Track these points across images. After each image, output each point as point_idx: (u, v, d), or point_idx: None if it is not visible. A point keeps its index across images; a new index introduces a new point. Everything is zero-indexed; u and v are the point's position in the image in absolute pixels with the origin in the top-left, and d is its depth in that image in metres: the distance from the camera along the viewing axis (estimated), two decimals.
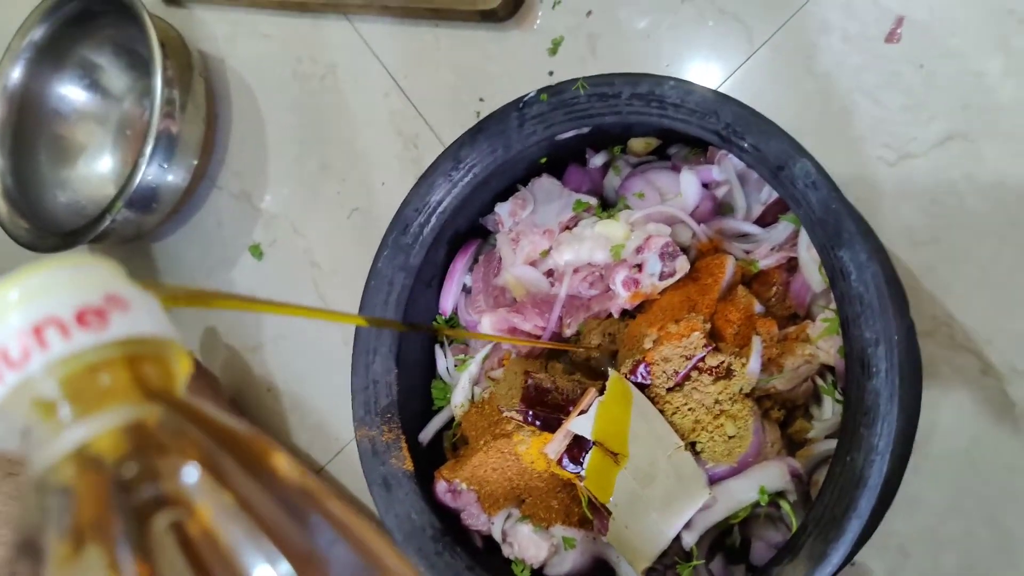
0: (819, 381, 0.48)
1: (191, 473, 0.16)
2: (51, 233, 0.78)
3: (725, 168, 0.52)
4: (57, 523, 0.16)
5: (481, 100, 0.71)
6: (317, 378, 0.76)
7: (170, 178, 0.77)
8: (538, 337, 0.53)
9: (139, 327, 0.18)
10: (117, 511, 0.16)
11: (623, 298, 0.50)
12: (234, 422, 0.18)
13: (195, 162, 0.79)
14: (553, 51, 0.68)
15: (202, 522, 0.16)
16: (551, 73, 0.68)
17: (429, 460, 0.55)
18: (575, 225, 0.54)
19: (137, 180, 0.73)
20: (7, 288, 0.17)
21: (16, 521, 0.17)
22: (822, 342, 0.47)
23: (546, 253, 0.54)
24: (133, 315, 0.18)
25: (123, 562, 0.15)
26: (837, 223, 0.41)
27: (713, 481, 0.47)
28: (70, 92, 0.86)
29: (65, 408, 0.17)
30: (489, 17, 0.70)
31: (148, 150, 0.73)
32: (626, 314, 0.51)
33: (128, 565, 0.15)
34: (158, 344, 0.18)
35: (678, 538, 0.47)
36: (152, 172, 0.74)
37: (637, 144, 0.55)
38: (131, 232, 0.79)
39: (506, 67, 0.70)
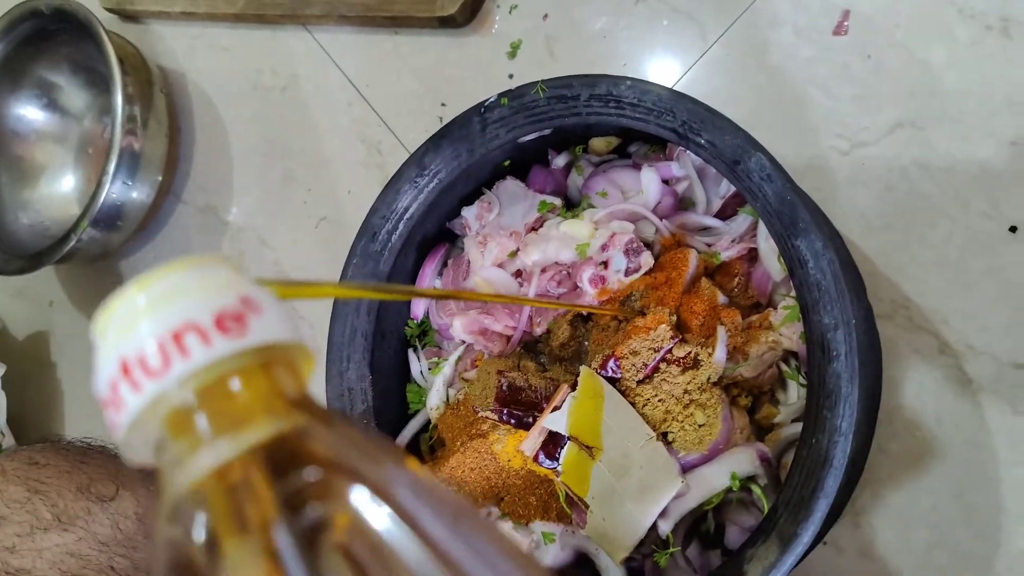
0: (783, 367, 0.50)
1: (354, 490, 0.15)
2: (16, 256, 0.78)
3: (684, 164, 0.53)
4: (206, 547, 0.14)
5: (443, 105, 0.72)
6: None
7: (135, 195, 0.76)
8: (508, 338, 0.54)
9: (277, 332, 0.16)
10: (279, 533, 0.14)
11: (591, 295, 0.51)
12: (361, 429, 0.17)
13: (159, 178, 0.78)
14: (512, 54, 0.69)
15: (367, 539, 0.14)
16: (511, 76, 0.69)
17: None
18: (541, 226, 0.55)
19: (101, 198, 0.73)
20: (134, 291, 0.16)
21: (156, 547, 0.15)
22: (784, 329, 0.48)
23: (513, 254, 0.54)
24: (268, 318, 0.16)
25: None
26: (792, 214, 0.42)
27: (685, 469, 0.48)
28: (28, 112, 0.85)
29: (204, 421, 0.15)
30: (447, 23, 0.70)
31: (111, 168, 0.72)
32: None
33: None
34: (292, 348, 0.17)
35: (654, 527, 0.48)
36: (116, 189, 0.74)
37: (598, 143, 0.57)
38: (98, 251, 0.78)
39: (466, 72, 0.71)
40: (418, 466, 0.16)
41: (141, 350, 0.15)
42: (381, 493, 0.15)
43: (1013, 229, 0.52)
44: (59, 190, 0.86)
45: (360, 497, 0.15)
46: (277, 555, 0.14)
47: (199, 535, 0.15)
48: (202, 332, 0.15)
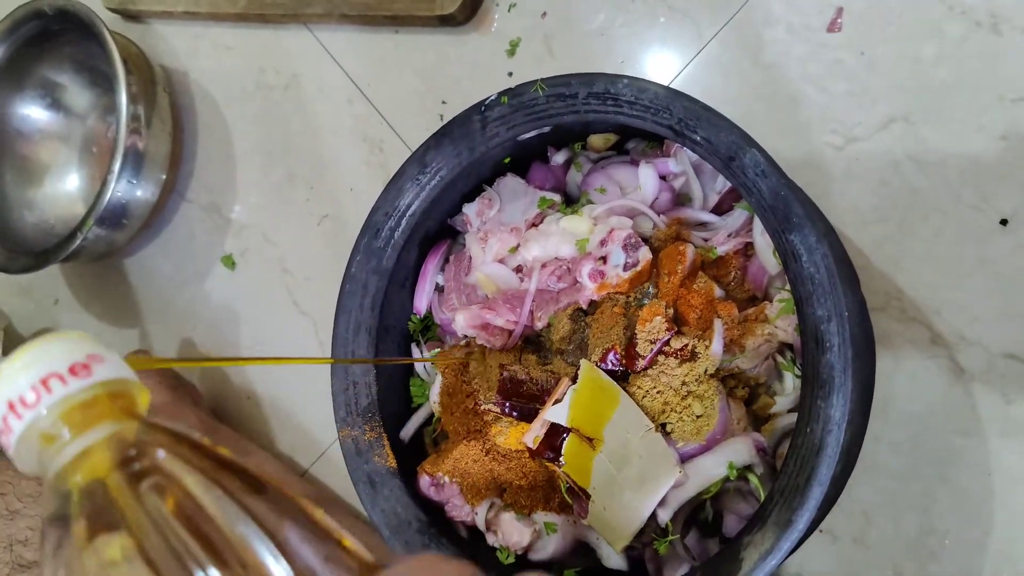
0: (779, 358, 0.51)
1: (161, 453, 0.23)
2: (21, 254, 0.79)
3: (681, 160, 0.54)
4: (70, 512, 0.22)
5: (444, 103, 0.73)
6: (295, 383, 0.78)
7: (139, 193, 0.77)
8: (510, 332, 0.55)
9: (113, 373, 0.24)
10: (114, 488, 0.22)
11: (590, 289, 0.52)
12: (187, 430, 0.25)
13: (163, 176, 0.79)
14: (511, 52, 0.70)
15: (178, 486, 0.22)
16: (511, 74, 0.70)
17: (411, 456, 0.57)
18: (541, 222, 0.56)
19: (107, 197, 0.73)
20: (14, 360, 0.24)
21: (43, 512, 0.23)
22: (780, 321, 0.49)
23: (514, 250, 0.55)
24: (108, 365, 0.24)
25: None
26: (787, 208, 0.43)
27: (684, 459, 0.49)
28: (32, 112, 0.86)
29: (65, 432, 0.23)
30: (447, 22, 0.71)
31: (116, 167, 0.73)
32: (593, 304, 0.53)
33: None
34: (126, 384, 0.25)
35: (654, 515, 0.49)
36: (121, 188, 0.75)
37: (596, 140, 0.58)
38: (103, 249, 0.79)
39: (466, 70, 0.72)
40: (225, 451, 0.24)
41: (20, 393, 0.23)
42: (182, 459, 0.23)
43: (1003, 222, 0.53)
44: (64, 189, 0.87)
45: (163, 457, 0.23)
46: (116, 491, 0.22)
47: (68, 505, 0.22)
48: (60, 377, 0.23)
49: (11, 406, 0.23)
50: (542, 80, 0.51)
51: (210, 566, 0.20)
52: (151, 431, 0.24)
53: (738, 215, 0.53)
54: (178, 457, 0.23)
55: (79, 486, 0.22)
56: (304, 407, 0.77)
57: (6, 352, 0.83)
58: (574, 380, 0.50)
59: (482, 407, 0.52)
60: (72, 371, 0.24)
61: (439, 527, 0.54)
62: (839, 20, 0.58)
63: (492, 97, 0.53)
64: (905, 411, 0.55)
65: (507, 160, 0.57)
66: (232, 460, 0.24)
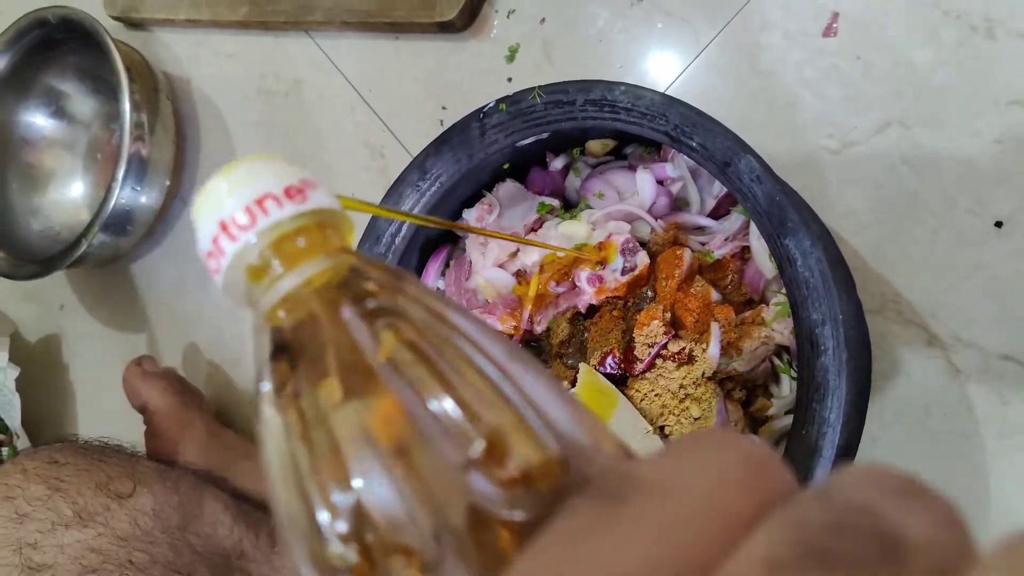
0: (776, 361, 0.51)
1: (392, 291, 0.20)
2: (27, 261, 0.80)
3: (678, 165, 0.55)
4: (288, 351, 0.20)
5: (444, 108, 0.73)
6: None
7: (143, 200, 0.78)
8: (510, 337, 0.55)
9: (327, 201, 0.22)
10: (345, 311, 0.20)
11: (588, 294, 0.52)
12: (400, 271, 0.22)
13: (167, 182, 0.80)
14: (510, 58, 0.71)
15: (412, 324, 0.19)
16: (510, 80, 0.71)
17: None
18: (540, 227, 0.56)
19: (111, 203, 0.74)
20: (220, 180, 0.22)
21: (257, 353, 0.21)
22: (776, 324, 0.50)
23: (514, 255, 0.56)
24: (320, 193, 0.22)
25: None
26: (781, 214, 0.44)
27: None
28: (37, 120, 0.87)
29: (277, 265, 0.21)
30: (447, 28, 0.72)
31: (120, 174, 0.74)
32: (592, 309, 0.54)
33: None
34: (338, 215, 0.23)
35: None
36: (125, 195, 0.75)
37: (595, 146, 0.58)
38: (108, 255, 0.80)
39: (466, 76, 0.73)
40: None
41: (233, 213, 0.21)
42: (414, 296, 0.20)
43: (998, 225, 0.54)
44: (69, 196, 0.88)
45: (404, 300, 0.20)
46: (347, 325, 0.19)
47: (284, 344, 0.20)
48: (276, 199, 0.21)
49: (223, 226, 0.21)
50: (540, 87, 0.52)
51: (447, 398, 0.18)
52: (365, 271, 0.21)
53: (735, 219, 0.53)
54: (400, 293, 0.20)
55: (296, 322, 0.20)
56: None
57: (11, 359, 0.83)
58: (573, 383, 0.50)
59: None
60: (288, 193, 0.21)
61: None
62: (835, 25, 0.59)
63: (490, 104, 0.53)
64: (902, 412, 0.56)
65: (506, 166, 0.58)
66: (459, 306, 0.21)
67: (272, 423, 0.19)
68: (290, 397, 0.19)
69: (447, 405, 0.18)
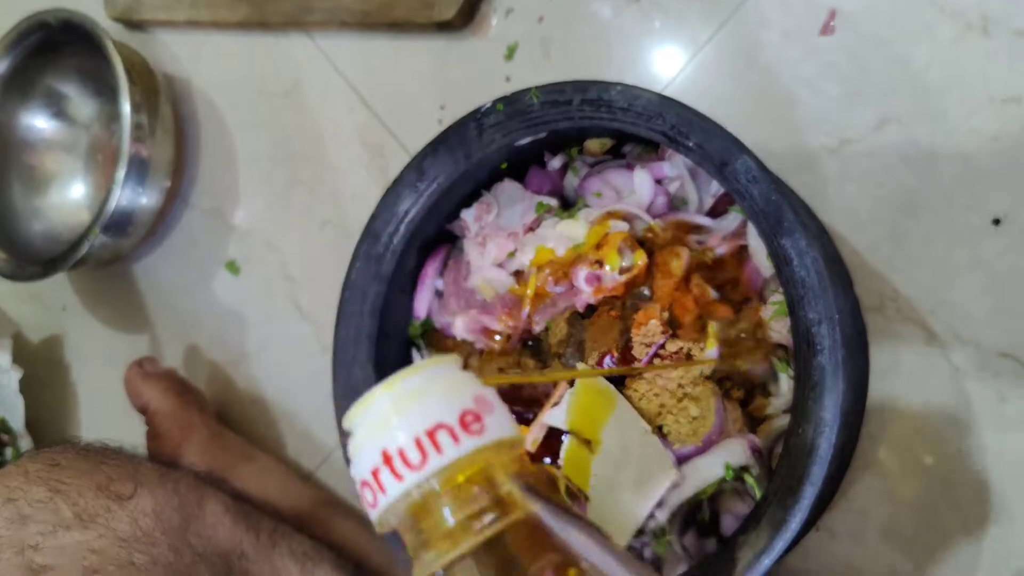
0: (774, 360, 0.51)
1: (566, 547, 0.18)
2: (29, 262, 0.80)
3: (676, 165, 0.55)
4: None
5: (442, 108, 0.74)
6: (300, 388, 0.79)
7: (144, 200, 0.78)
8: (509, 336, 0.56)
9: (506, 429, 0.19)
10: None
11: (586, 293, 0.53)
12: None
13: (167, 183, 0.80)
14: (509, 57, 0.71)
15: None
16: (508, 79, 0.71)
17: None
18: (538, 226, 0.57)
19: (112, 205, 0.75)
20: (389, 389, 0.18)
21: None
22: (774, 323, 0.50)
23: (512, 254, 0.56)
24: (498, 416, 0.19)
25: None
26: (778, 213, 0.44)
27: (680, 461, 0.50)
28: (38, 122, 0.87)
29: (448, 511, 0.18)
30: (445, 27, 0.72)
31: (121, 175, 0.74)
32: (591, 308, 0.54)
33: None
34: (517, 442, 0.19)
35: (652, 516, 0.50)
36: (126, 196, 0.76)
37: (593, 145, 0.58)
38: (109, 256, 0.80)
39: (465, 75, 0.73)
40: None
41: (401, 445, 0.18)
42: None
43: (996, 222, 0.54)
44: (70, 197, 0.88)
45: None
46: None
47: None
48: (451, 431, 0.18)
49: (387, 458, 0.18)
50: (536, 87, 0.52)
51: None
52: (540, 509, 0.19)
53: (733, 218, 0.53)
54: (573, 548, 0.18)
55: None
56: (309, 411, 0.78)
57: (15, 360, 0.84)
58: (572, 383, 0.50)
59: None
60: (463, 423, 0.18)
61: None
62: (832, 23, 0.58)
63: (488, 104, 0.53)
64: (901, 410, 0.56)
65: (504, 166, 0.58)
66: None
67: None
68: None
69: None
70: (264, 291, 0.81)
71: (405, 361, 0.61)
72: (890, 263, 0.56)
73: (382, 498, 0.18)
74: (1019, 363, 0.53)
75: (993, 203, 0.54)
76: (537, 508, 0.19)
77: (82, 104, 0.87)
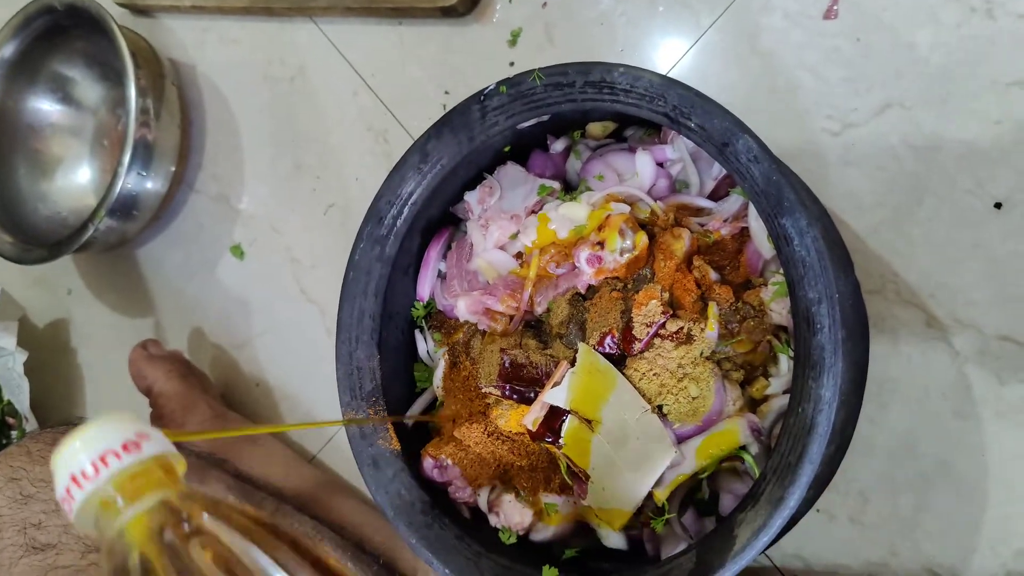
0: (774, 341, 0.52)
1: (205, 516, 0.28)
2: (35, 245, 0.80)
3: (678, 147, 0.55)
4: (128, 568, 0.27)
5: (446, 93, 0.74)
6: (303, 370, 0.79)
7: (149, 185, 0.79)
8: (511, 317, 0.56)
9: (158, 448, 0.29)
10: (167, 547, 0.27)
11: (588, 274, 0.53)
12: (222, 494, 0.28)
13: (173, 168, 0.81)
14: (513, 42, 0.71)
15: (221, 542, 0.27)
16: (512, 63, 0.71)
17: (415, 439, 0.58)
18: (540, 208, 0.57)
19: (117, 189, 0.75)
20: (75, 439, 0.28)
21: (104, 567, 0.27)
22: (774, 304, 0.50)
23: (514, 236, 0.56)
24: (153, 442, 0.29)
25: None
26: (779, 193, 0.44)
27: (680, 440, 0.50)
28: (44, 106, 0.88)
29: (120, 500, 0.27)
30: (450, 13, 0.72)
31: (126, 159, 0.75)
32: (592, 289, 0.54)
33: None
34: (168, 457, 0.29)
35: (651, 495, 0.50)
36: (131, 180, 0.76)
37: (595, 128, 0.58)
38: (114, 240, 0.81)
39: (469, 60, 0.73)
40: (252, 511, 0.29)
41: (82, 467, 0.27)
42: (223, 519, 0.28)
43: (998, 206, 0.54)
44: (76, 181, 0.89)
45: (206, 519, 0.28)
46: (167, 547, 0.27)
47: (127, 560, 0.27)
48: (116, 453, 0.27)
49: (73, 479, 0.27)
50: (539, 69, 0.52)
51: None
52: (190, 497, 0.28)
53: (734, 200, 0.53)
54: (216, 517, 0.28)
55: (134, 546, 0.27)
56: (312, 394, 0.78)
57: (20, 343, 0.84)
58: (573, 363, 0.51)
59: (483, 390, 0.54)
60: (125, 448, 0.28)
61: (442, 508, 0.55)
62: (835, 7, 0.59)
63: (491, 87, 0.53)
64: (901, 393, 0.56)
65: (507, 148, 0.58)
66: (260, 518, 0.29)
67: None
68: None
69: None
70: (269, 275, 0.81)
71: (408, 342, 0.61)
72: (891, 246, 0.56)
73: (72, 505, 0.27)
74: (1019, 346, 0.53)
75: (995, 187, 0.54)
76: (177, 491, 0.28)
77: (88, 89, 0.88)
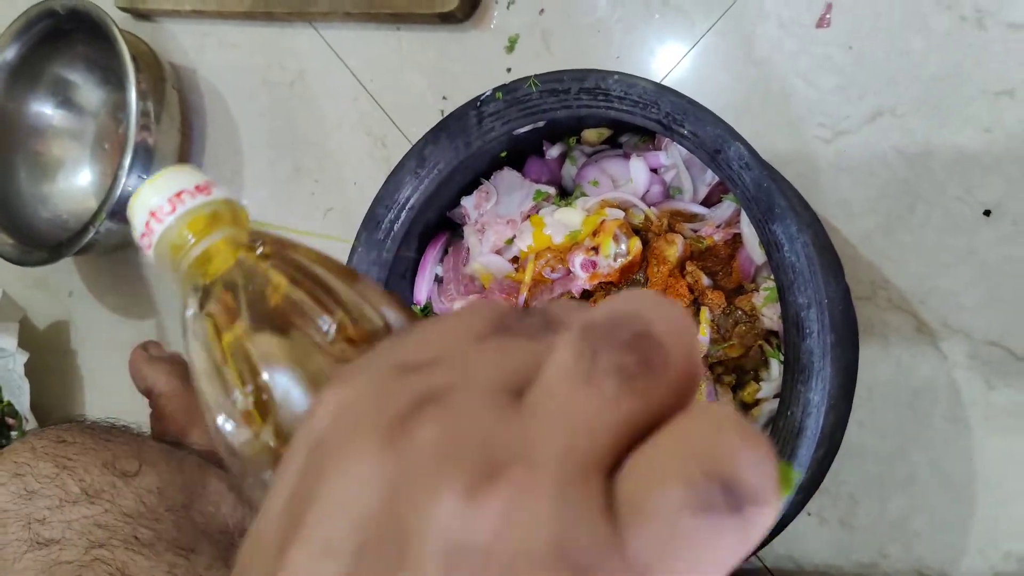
0: (765, 346, 0.52)
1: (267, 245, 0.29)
2: (36, 248, 0.81)
3: (671, 154, 0.56)
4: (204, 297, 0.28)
5: (444, 98, 0.75)
6: None
7: None
8: None
9: (225, 194, 0.30)
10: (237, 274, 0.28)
11: (583, 279, 0.54)
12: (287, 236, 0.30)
13: None
14: (510, 48, 0.72)
15: (295, 264, 0.28)
16: (509, 70, 0.72)
17: None
18: (536, 214, 0.58)
19: (118, 191, 0.76)
20: (151, 181, 0.29)
21: (183, 310, 0.28)
22: (766, 309, 0.51)
23: (510, 241, 0.57)
24: (221, 189, 0.30)
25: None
26: (769, 200, 0.45)
27: None
28: (45, 109, 0.88)
29: (190, 237, 0.28)
30: (448, 19, 0.73)
31: (127, 162, 0.75)
32: (586, 294, 0.55)
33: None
34: (233, 203, 0.30)
35: None
36: (132, 183, 0.77)
37: (590, 135, 0.59)
38: (115, 242, 0.82)
39: (466, 66, 0.74)
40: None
41: (160, 205, 0.28)
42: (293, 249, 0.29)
43: (987, 213, 0.54)
44: (76, 184, 0.89)
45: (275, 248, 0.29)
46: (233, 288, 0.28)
47: (200, 295, 0.28)
48: (190, 193, 0.28)
49: (152, 214, 0.29)
50: (535, 76, 0.53)
51: (325, 315, 0.27)
52: (258, 234, 0.29)
53: (726, 207, 0.54)
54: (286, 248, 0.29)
55: (209, 277, 0.28)
56: None
57: (21, 345, 0.85)
58: None
59: None
60: (197, 189, 0.29)
61: None
62: (828, 16, 0.59)
63: (487, 93, 0.54)
64: (890, 397, 0.57)
65: (504, 154, 0.59)
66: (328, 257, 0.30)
67: (196, 335, 0.28)
68: (208, 316, 0.27)
69: (310, 308, 0.27)
70: None
71: None
72: (882, 252, 0.57)
73: (153, 238, 0.28)
74: (1007, 351, 0.53)
75: (984, 194, 0.55)
76: (244, 232, 0.29)
77: (89, 92, 0.89)
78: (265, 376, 0.26)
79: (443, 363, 0.18)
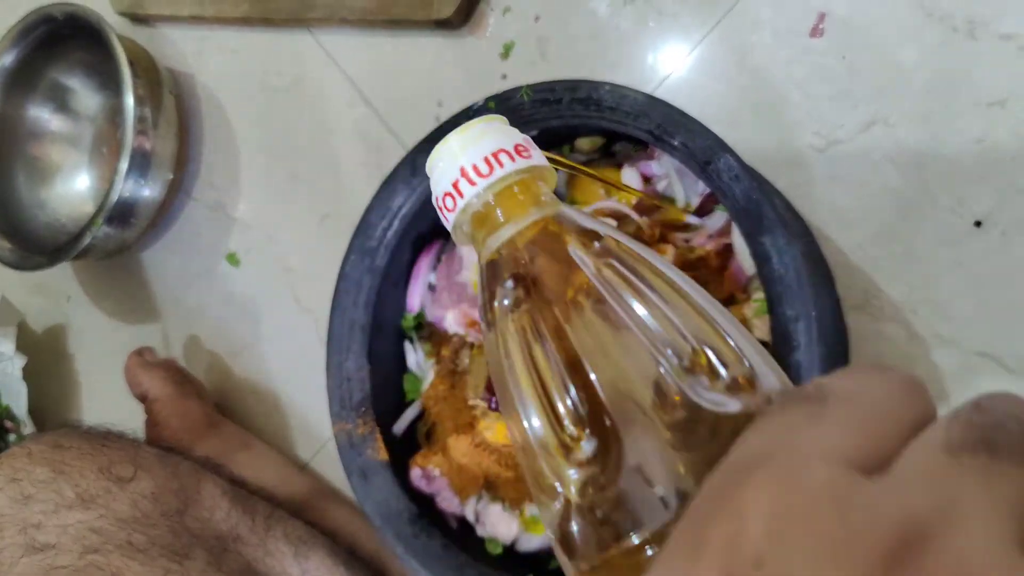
0: None
1: (598, 236, 0.24)
2: (34, 252, 0.81)
3: (664, 163, 0.56)
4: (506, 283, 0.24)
5: (440, 105, 0.75)
6: (296, 379, 0.80)
7: (147, 193, 0.80)
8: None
9: (542, 159, 0.25)
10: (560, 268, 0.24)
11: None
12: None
13: (170, 176, 0.82)
14: (505, 55, 0.72)
15: (626, 262, 0.24)
16: (504, 76, 0.72)
17: (404, 450, 0.59)
18: None
19: (115, 196, 0.76)
20: (462, 133, 0.25)
21: (482, 283, 0.25)
22: (757, 321, 0.51)
23: None
24: (538, 152, 0.25)
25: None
26: (758, 211, 0.45)
27: None
28: (43, 114, 0.89)
29: (500, 213, 0.24)
30: (444, 25, 0.73)
31: (123, 167, 0.76)
32: None
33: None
34: (549, 171, 0.26)
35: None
36: (129, 188, 0.77)
37: (584, 143, 0.59)
38: (112, 247, 0.82)
39: (462, 72, 0.74)
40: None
41: (474, 161, 0.24)
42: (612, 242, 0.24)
43: (978, 224, 0.54)
44: (74, 189, 0.90)
45: (612, 244, 0.24)
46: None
47: (500, 280, 0.24)
48: (509, 154, 0.24)
49: (464, 172, 0.24)
50: (528, 86, 0.53)
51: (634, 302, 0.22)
52: (567, 218, 0.25)
53: (718, 217, 0.54)
54: (605, 238, 0.25)
55: (524, 268, 0.24)
56: (305, 402, 0.79)
57: (19, 348, 0.85)
58: None
59: (471, 402, 0.55)
60: (517, 150, 0.24)
61: (429, 518, 0.56)
62: (821, 25, 0.59)
63: (479, 102, 0.54)
64: None
65: None
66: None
67: (510, 334, 0.23)
68: (526, 314, 0.23)
69: (657, 322, 0.22)
70: (264, 283, 0.82)
71: (398, 353, 0.62)
72: (874, 262, 0.57)
73: (459, 201, 0.24)
74: (997, 362, 0.54)
75: (976, 205, 0.55)
76: (564, 208, 0.25)
77: (87, 97, 0.89)
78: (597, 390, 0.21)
79: (913, 473, 0.15)
